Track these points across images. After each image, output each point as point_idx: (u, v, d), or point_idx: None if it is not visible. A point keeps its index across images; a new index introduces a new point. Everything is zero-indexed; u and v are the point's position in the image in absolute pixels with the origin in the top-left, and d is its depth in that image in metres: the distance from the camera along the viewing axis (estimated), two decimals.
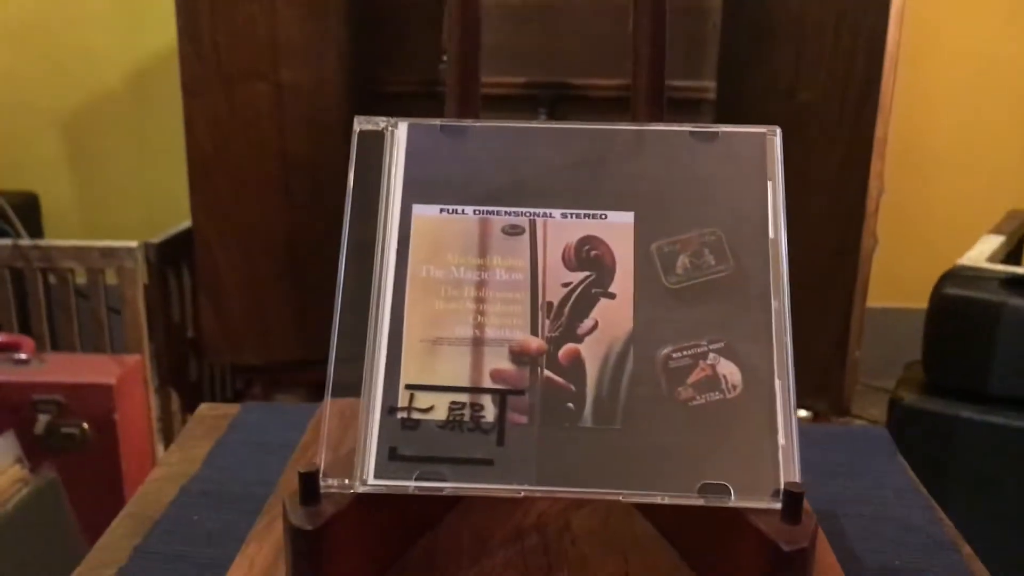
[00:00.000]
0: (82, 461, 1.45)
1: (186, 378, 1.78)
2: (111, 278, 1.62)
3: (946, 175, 2.04)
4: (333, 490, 0.43)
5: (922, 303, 1.33)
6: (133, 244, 1.60)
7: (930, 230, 2.04)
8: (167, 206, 2.06)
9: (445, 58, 1.58)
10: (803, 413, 1.57)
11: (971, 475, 1.27)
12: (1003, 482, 1.26)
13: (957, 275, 1.30)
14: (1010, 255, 1.56)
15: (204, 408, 0.80)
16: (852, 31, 1.40)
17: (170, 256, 1.70)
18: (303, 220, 1.58)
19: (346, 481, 0.43)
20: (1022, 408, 1.25)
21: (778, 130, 0.47)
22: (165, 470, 0.70)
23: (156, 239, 1.66)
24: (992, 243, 1.49)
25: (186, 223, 1.69)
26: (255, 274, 1.62)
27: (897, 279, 1.97)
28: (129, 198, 2.22)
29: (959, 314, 1.28)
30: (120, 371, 1.50)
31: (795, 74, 1.47)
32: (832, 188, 1.42)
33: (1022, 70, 1.98)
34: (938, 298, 1.29)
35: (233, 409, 0.80)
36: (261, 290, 1.62)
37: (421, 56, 1.53)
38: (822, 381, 1.47)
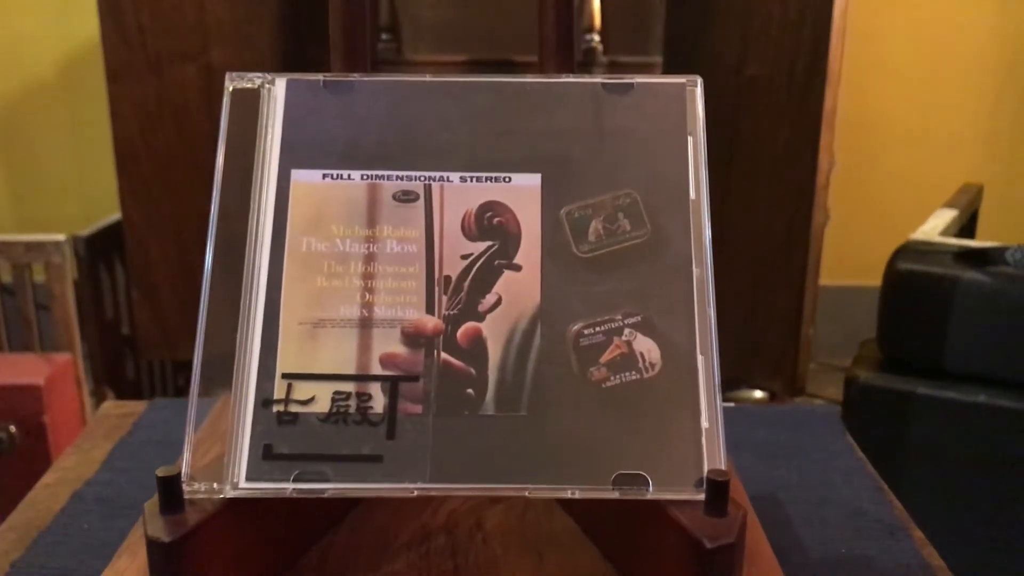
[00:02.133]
0: (9, 466, 1.39)
1: (123, 377, 1.71)
2: (39, 274, 1.54)
3: (898, 149, 2.02)
4: (200, 495, 0.37)
5: (876, 280, 1.30)
6: (60, 237, 1.53)
7: (883, 205, 2.02)
8: (102, 198, 1.99)
9: (384, 36, 1.52)
10: (759, 394, 1.54)
11: (929, 452, 1.25)
12: (961, 458, 1.24)
13: (910, 250, 1.27)
14: (963, 229, 1.54)
15: (108, 406, 0.75)
16: (799, 1, 1.36)
17: (101, 249, 1.63)
18: None
19: (215, 485, 0.37)
20: (979, 383, 1.23)
21: (699, 80, 0.42)
22: (58, 474, 0.65)
23: (85, 232, 1.59)
24: (945, 217, 1.47)
25: (118, 215, 1.62)
26: (190, 266, 1.55)
27: (850, 256, 1.95)
28: (62, 190, 2.14)
29: (913, 289, 1.26)
30: (49, 371, 1.44)
31: (742, 48, 1.43)
32: (782, 162, 1.39)
33: (975, 40, 1.96)
34: (892, 273, 1.26)
35: (140, 407, 0.74)
36: (196, 282, 1.55)
37: None
38: (777, 361, 1.44)
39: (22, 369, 1.43)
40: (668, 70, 1.47)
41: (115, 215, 1.64)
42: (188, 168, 1.50)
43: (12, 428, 1.39)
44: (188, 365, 1.75)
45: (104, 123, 1.68)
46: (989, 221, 1.69)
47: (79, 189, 2.13)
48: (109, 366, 1.67)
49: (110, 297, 1.67)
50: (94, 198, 2.08)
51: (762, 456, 0.67)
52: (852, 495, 0.61)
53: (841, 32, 1.35)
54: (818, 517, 0.59)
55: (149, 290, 1.58)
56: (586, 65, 1.39)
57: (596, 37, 1.44)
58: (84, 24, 2.01)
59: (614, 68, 1.47)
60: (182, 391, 1.82)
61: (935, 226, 1.42)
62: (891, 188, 2.03)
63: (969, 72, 1.98)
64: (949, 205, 1.55)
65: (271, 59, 1.47)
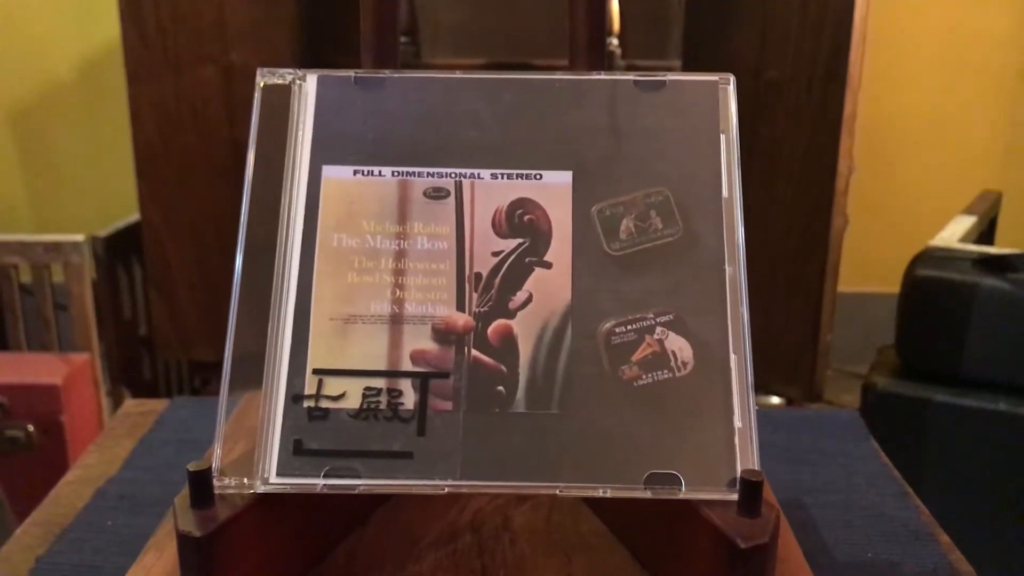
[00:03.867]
0: (27, 465, 1.39)
1: (140, 377, 1.72)
2: (57, 274, 1.55)
3: (917, 156, 2.01)
4: (230, 491, 0.37)
5: (894, 287, 1.30)
6: (79, 238, 1.53)
7: (901, 211, 2.01)
8: (120, 199, 2.00)
9: (403, 39, 1.52)
10: (775, 400, 1.53)
11: (946, 459, 1.24)
12: (978, 466, 1.23)
13: (929, 256, 1.27)
14: (982, 236, 1.53)
15: (129, 404, 0.75)
16: (819, 6, 1.35)
17: (119, 250, 1.63)
18: None
19: (245, 480, 0.37)
20: (997, 391, 1.22)
21: (731, 78, 0.42)
22: (81, 472, 0.65)
23: (104, 232, 1.60)
24: (964, 223, 1.46)
25: (136, 215, 1.62)
26: (207, 267, 1.55)
27: (868, 263, 1.94)
28: (81, 191, 2.15)
29: (932, 296, 1.25)
30: (67, 371, 1.44)
31: (761, 52, 1.42)
32: (801, 167, 1.38)
33: (993, 46, 1.94)
34: (910, 280, 1.25)
35: (161, 405, 0.74)
36: (214, 283, 1.56)
37: None
38: (793, 367, 1.43)
39: (40, 369, 1.43)
40: None
41: (133, 216, 1.64)
42: (207, 169, 1.51)
43: (30, 427, 1.39)
44: (204, 365, 1.76)
45: (122, 124, 1.69)
46: (1008, 228, 1.68)
47: (97, 190, 2.14)
48: (126, 366, 1.67)
49: (128, 297, 1.67)
50: (112, 199, 2.10)
51: (785, 460, 0.66)
52: (877, 499, 0.61)
53: (861, 37, 1.35)
54: (843, 521, 0.58)
55: (167, 291, 1.58)
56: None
57: (615, 41, 1.44)
58: (103, 26, 2.02)
59: (632, 71, 1.47)
60: (198, 391, 1.82)
61: (954, 233, 1.41)
62: (909, 194, 2.02)
63: (988, 79, 1.97)
64: (968, 212, 1.54)
65: (290, 60, 1.47)
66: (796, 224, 1.39)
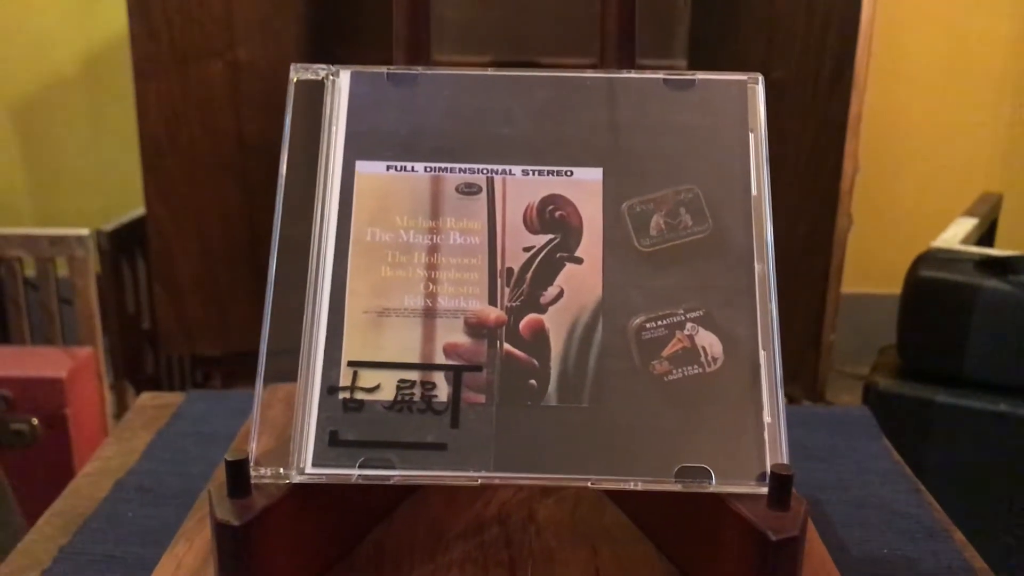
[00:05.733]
0: (32, 458, 1.39)
1: (143, 371, 1.72)
2: (62, 268, 1.55)
3: (919, 157, 2.02)
4: (266, 480, 0.38)
5: (895, 289, 1.30)
6: (84, 232, 1.53)
7: (903, 213, 2.02)
8: (124, 193, 2.00)
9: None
10: None
11: (948, 460, 1.25)
12: (980, 466, 1.24)
13: (931, 258, 1.27)
14: (983, 238, 1.54)
15: (145, 397, 0.75)
16: (825, 7, 1.36)
17: (124, 244, 1.64)
18: (261, 204, 1.52)
19: (281, 470, 0.38)
20: (998, 392, 1.22)
21: (760, 77, 0.42)
22: (100, 464, 0.65)
23: (109, 226, 1.60)
24: (965, 225, 1.47)
25: (140, 210, 1.62)
26: (212, 262, 1.55)
27: (870, 264, 1.94)
28: (85, 185, 2.15)
29: (933, 297, 1.26)
30: (72, 364, 1.44)
31: (767, 52, 1.43)
32: (806, 167, 1.39)
33: (996, 49, 1.95)
34: (912, 281, 1.26)
35: (177, 398, 0.75)
36: (219, 278, 1.56)
37: (385, 30, 1.48)
38: (796, 366, 1.44)
39: (45, 362, 1.43)
40: None
41: (137, 210, 1.65)
42: (213, 164, 1.51)
43: (34, 421, 1.39)
44: (208, 360, 1.75)
45: (126, 119, 1.69)
46: (1008, 230, 1.69)
47: (100, 184, 2.14)
48: (130, 360, 1.67)
49: (132, 291, 1.67)
50: (115, 193, 2.10)
51: (798, 457, 0.66)
52: (891, 497, 0.61)
53: (867, 38, 1.35)
54: (857, 518, 0.59)
55: (171, 285, 1.58)
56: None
57: None
58: (107, 20, 2.02)
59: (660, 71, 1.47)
60: (200, 386, 1.82)
61: (955, 234, 1.42)
62: (911, 196, 2.03)
63: (990, 81, 1.98)
64: (969, 214, 1.55)
65: (297, 56, 1.47)
66: (801, 224, 1.40)
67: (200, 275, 1.57)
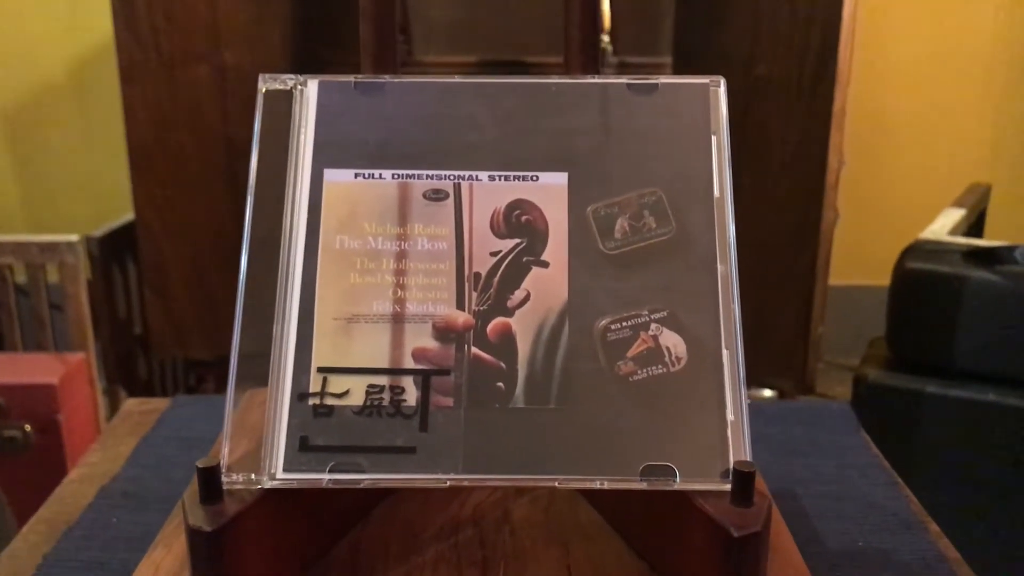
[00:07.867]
0: (24, 464, 1.40)
1: (135, 376, 1.72)
2: (52, 274, 1.56)
3: (906, 149, 2.03)
4: (238, 486, 0.38)
5: (884, 280, 1.31)
6: (74, 238, 1.54)
7: (890, 205, 2.02)
8: (113, 199, 2.00)
9: (399, 38, 1.53)
10: (768, 393, 1.54)
11: (937, 450, 1.25)
12: (969, 456, 1.24)
13: (919, 249, 1.28)
14: (971, 228, 1.55)
15: (131, 403, 0.76)
16: (808, 2, 1.37)
17: (114, 250, 1.64)
18: None
19: (252, 476, 0.38)
20: (987, 382, 1.23)
21: (722, 80, 0.43)
22: (84, 470, 0.66)
23: (99, 232, 1.60)
24: (953, 216, 1.48)
25: (130, 215, 1.63)
26: (202, 266, 1.56)
27: (858, 256, 1.95)
28: (74, 191, 2.15)
29: (922, 288, 1.26)
30: (63, 370, 1.45)
31: (752, 47, 1.44)
32: (791, 162, 1.40)
33: (981, 39, 1.96)
34: (900, 272, 1.27)
35: (162, 403, 0.75)
36: (209, 282, 1.57)
37: None
38: (786, 360, 1.44)
39: (36, 368, 1.44)
40: (677, 70, 1.47)
41: (127, 215, 1.65)
42: (201, 168, 1.51)
43: (27, 427, 1.40)
44: (199, 363, 1.76)
45: (114, 124, 1.69)
46: (996, 220, 1.70)
47: (89, 190, 2.14)
48: (121, 365, 1.68)
49: (123, 297, 1.68)
50: (105, 199, 2.10)
51: (777, 452, 0.67)
52: (868, 489, 0.62)
53: (850, 32, 1.36)
54: (834, 511, 0.59)
55: (161, 290, 1.59)
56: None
57: (606, 37, 1.44)
58: (94, 25, 2.02)
59: (624, 68, 1.48)
60: (193, 389, 1.83)
61: (943, 225, 1.42)
62: (898, 187, 2.03)
63: (976, 72, 1.98)
64: (957, 204, 1.56)
65: (282, 60, 1.48)
66: (787, 218, 1.41)
67: (190, 279, 1.57)
